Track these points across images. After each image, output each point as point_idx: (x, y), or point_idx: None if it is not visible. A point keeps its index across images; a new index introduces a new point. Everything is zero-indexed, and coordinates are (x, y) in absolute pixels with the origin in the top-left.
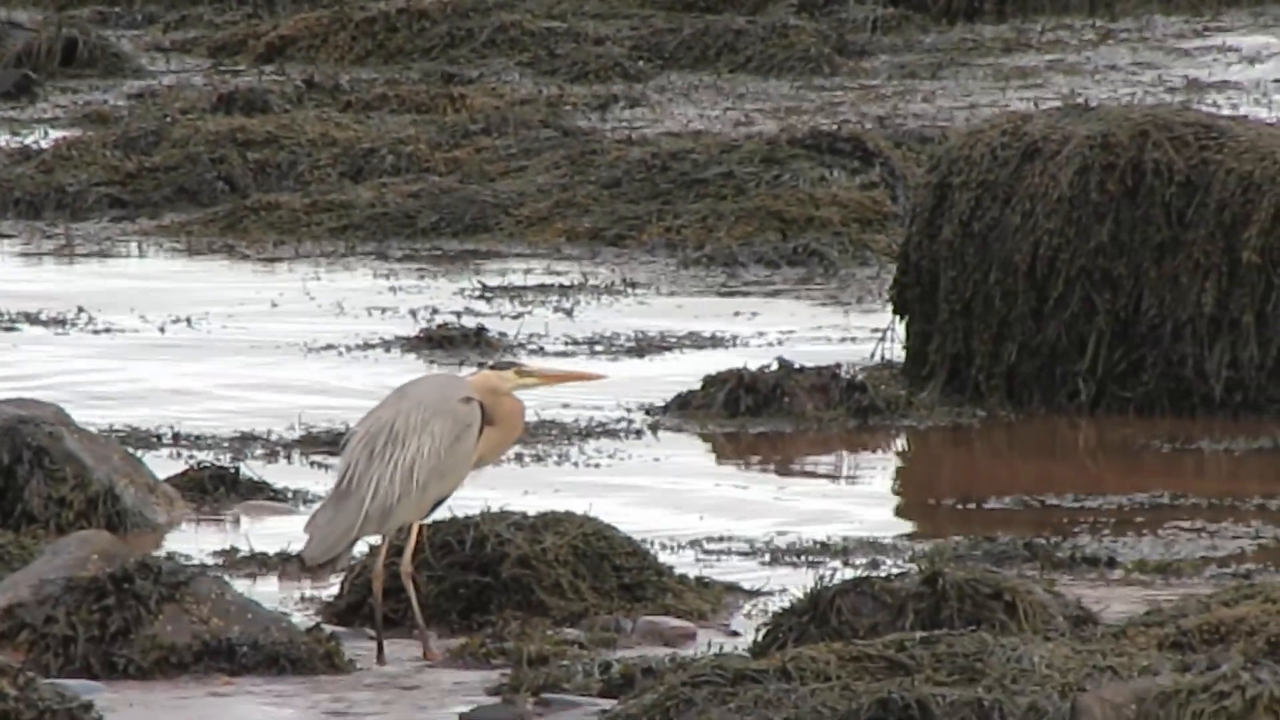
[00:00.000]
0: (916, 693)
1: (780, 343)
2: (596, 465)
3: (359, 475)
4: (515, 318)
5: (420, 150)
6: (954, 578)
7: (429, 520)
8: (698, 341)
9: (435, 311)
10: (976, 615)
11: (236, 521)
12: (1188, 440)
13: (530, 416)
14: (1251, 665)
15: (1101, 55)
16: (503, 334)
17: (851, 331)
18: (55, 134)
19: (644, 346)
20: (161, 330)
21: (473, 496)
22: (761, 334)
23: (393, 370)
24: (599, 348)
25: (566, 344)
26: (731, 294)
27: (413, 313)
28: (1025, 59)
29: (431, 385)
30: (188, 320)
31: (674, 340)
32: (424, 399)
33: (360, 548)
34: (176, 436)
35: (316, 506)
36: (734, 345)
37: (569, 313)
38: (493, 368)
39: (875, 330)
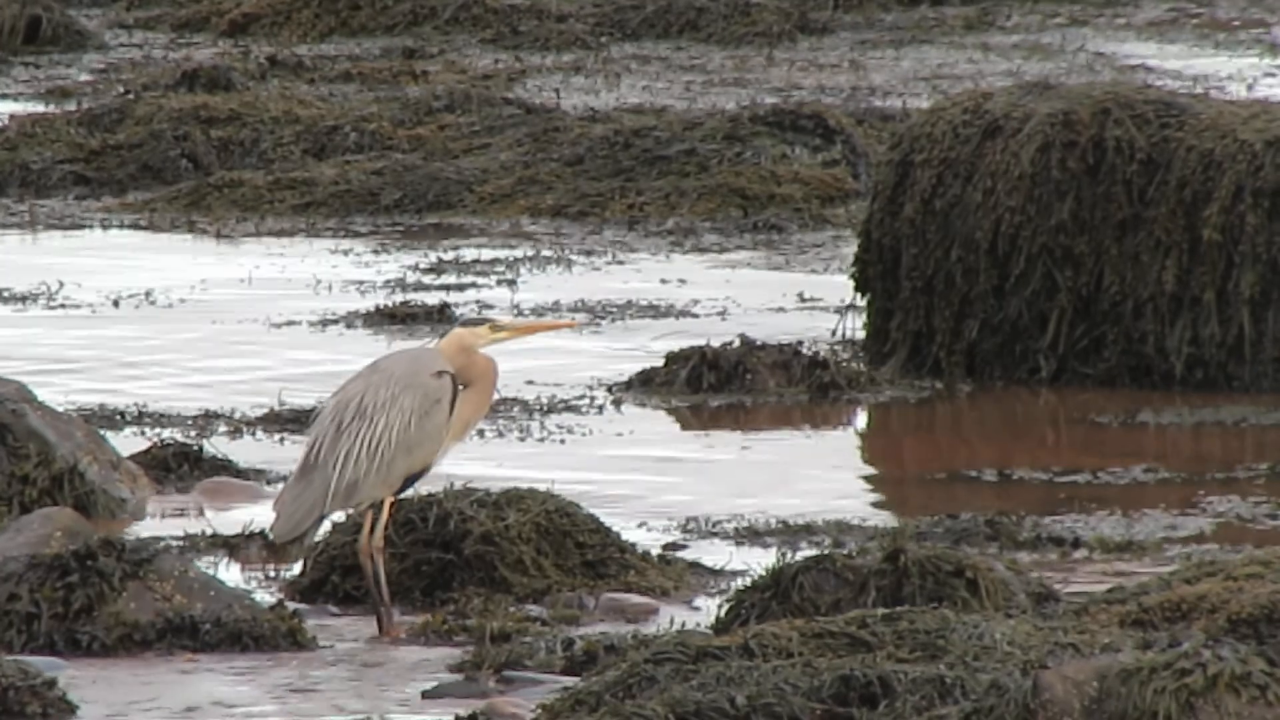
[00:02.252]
0: (878, 669)
1: (726, 313)
2: (560, 441)
3: (325, 451)
4: (476, 289)
5: (383, 127)
6: (916, 555)
7: (406, 495)
8: (658, 313)
9: (399, 288)
10: (938, 592)
11: (199, 499)
12: (1149, 417)
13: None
14: (1213, 643)
15: (1068, 37)
16: (473, 308)
17: (811, 306)
18: (16, 108)
19: (603, 316)
20: (122, 306)
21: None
22: (720, 307)
23: (356, 347)
24: (570, 318)
25: (531, 315)
26: (692, 267)
27: (376, 288)
28: (988, 37)
29: (402, 359)
30: (150, 296)
31: (637, 310)
32: (394, 373)
33: (326, 525)
34: (140, 414)
35: (282, 484)
36: (690, 317)
37: (515, 284)
38: (464, 324)
39: (824, 303)
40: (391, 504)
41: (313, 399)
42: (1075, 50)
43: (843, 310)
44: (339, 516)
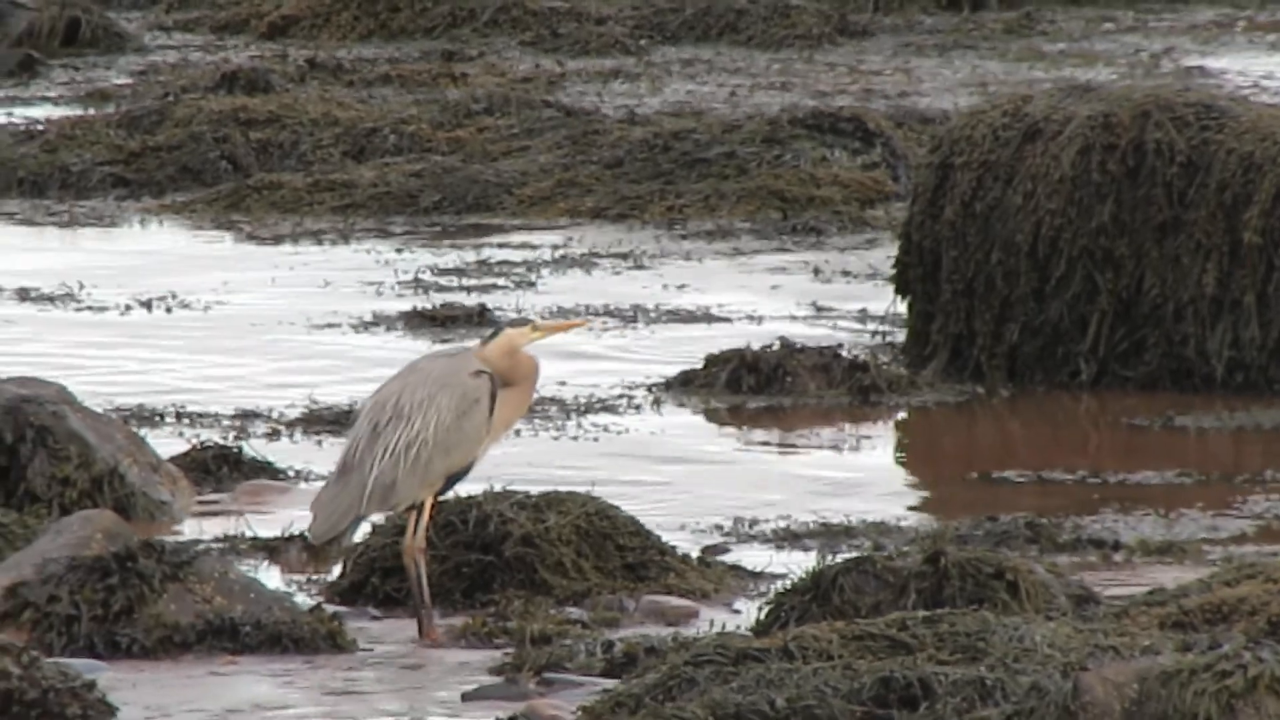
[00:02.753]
0: (918, 672)
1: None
2: (595, 440)
3: (363, 452)
4: (514, 291)
5: (422, 130)
6: (956, 557)
7: (446, 497)
8: (699, 317)
9: (437, 290)
10: (979, 594)
11: (239, 501)
12: (1189, 420)
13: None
14: (1253, 645)
15: (1108, 41)
16: (511, 311)
17: (849, 310)
18: (58, 113)
19: (643, 319)
20: (165, 309)
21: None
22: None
23: (395, 348)
24: (603, 323)
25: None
26: (730, 270)
27: (415, 290)
28: (1031, 43)
29: (440, 360)
30: (189, 299)
31: (677, 314)
32: (431, 373)
33: (365, 526)
34: (179, 415)
35: (321, 485)
36: (728, 320)
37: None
38: (512, 325)
39: (863, 311)
40: (432, 505)
41: (350, 401)
42: (1133, 54)
43: (882, 314)
44: (378, 519)
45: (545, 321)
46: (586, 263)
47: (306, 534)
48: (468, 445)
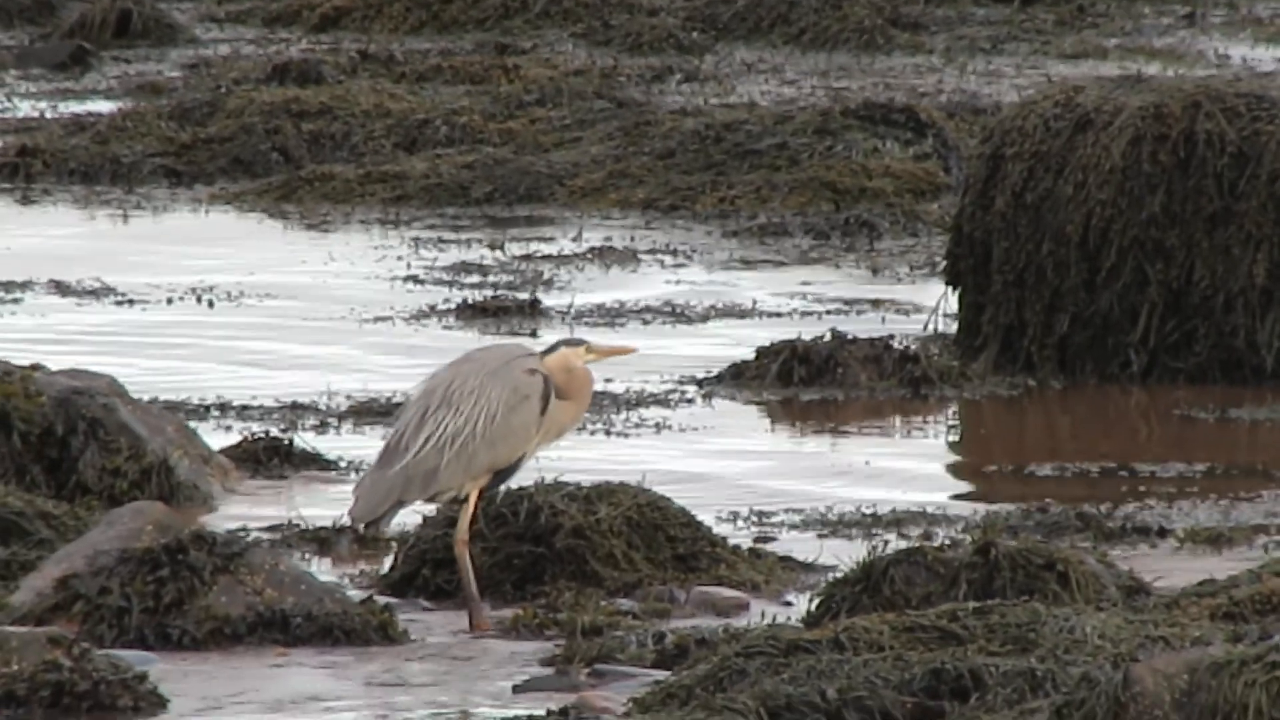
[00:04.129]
0: (969, 663)
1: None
2: (655, 430)
3: (409, 437)
4: (564, 284)
5: (474, 121)
6: (1006, 548)
7: (500, 490)
8: (744, 311)
9: (489, 282)
10: (1029, 585)
11: (290, 492)
12: (1240, 410)
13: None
14: None
15: (1160, 34)
16: (561, 303)
17: (901, 302)
18: (108, 105)
19: (692, 315)
20: (213, 301)
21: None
22: (809, 305)
23: (446, 339)
24: (648, 317)
25: (614, 314)
26: (782, 264)
27: (466, 283)
28: (1080, 35)
29: (495, 352)
30: (239, 291)
31: (721, 309)
32: (485, 364)
33: (414, 516)
34: (227, 407)
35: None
36: (779, 315)
37: (616, 280)
38: (567, 345)
39: (914, 303)
40: (478, 498)
41: (401, 393)
42: (1195, 50)
43: (934, 305)
44: (423, 507)
45: (599, 344)
46: (636, 257)
47: (348, 515)
48: (515, 441)
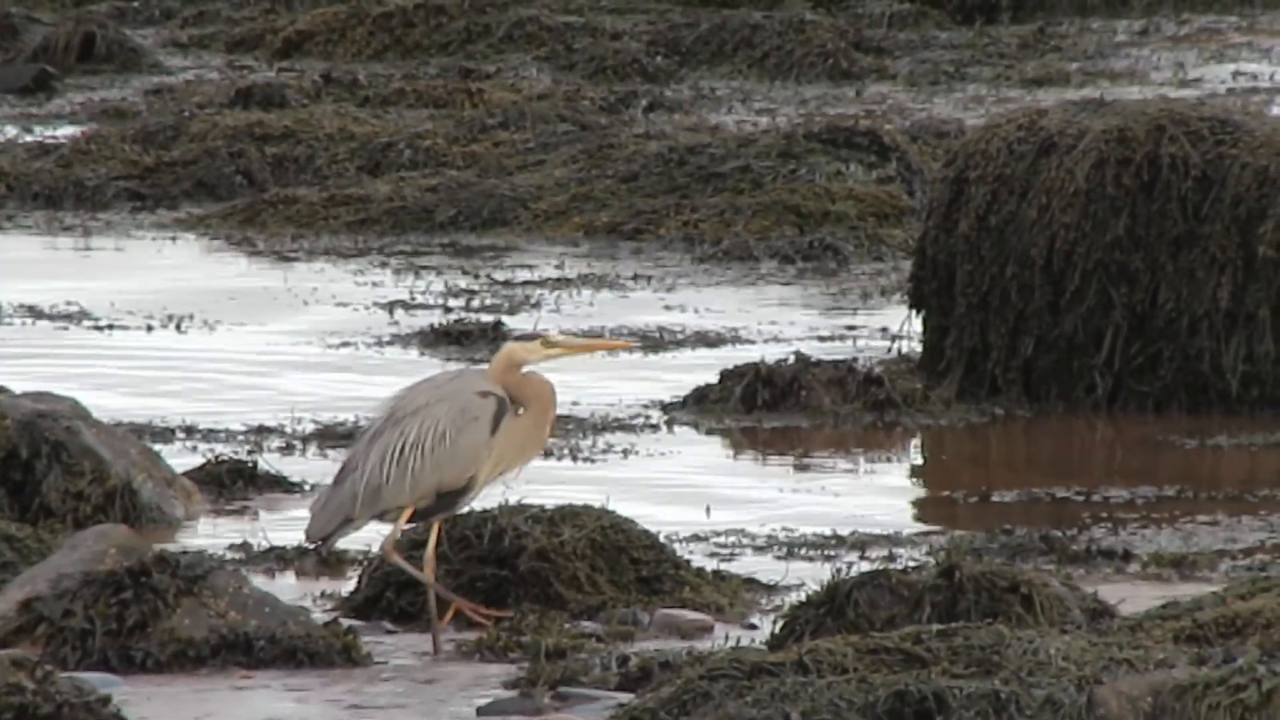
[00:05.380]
0: (933, 685)
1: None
2: (621, 455)
3: (359, 455)
4: (530, 307)
5: (438, 144)
6: (971, 570)
7: (461, 512)
8: (711, 338)
9: (452, 306)
10: (993, 608)
11: (255, 515)
12: (1204, 434)
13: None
14: (1267, 658)
15: (1120, 56)
16: (527, 327)
17: (865, 326)
18: (73, 129)
19: (658, 341)
20: (177, 327)
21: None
22: (775, 329)
23: (409, 364)
24: (624, 340)
25: (584, 336)
26: (748, 288)
27: (429, 307)
28: (1043, 59)
29: (449, 375)
30: (201, 316)
31: (688, 335)
32: (436, 384)
33: (366, 535)
34: (192, 430)
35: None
36: (748, 341)
37: (583, 304)
38: (517, 339)
39: (884, 329)
40: (408, 517)
41: (364, 416)
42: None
43: (897, 328)
44: (384, 528)
45: (564, 337)
46: (599, 281)
47: (305, 531)
48: (462, 463)
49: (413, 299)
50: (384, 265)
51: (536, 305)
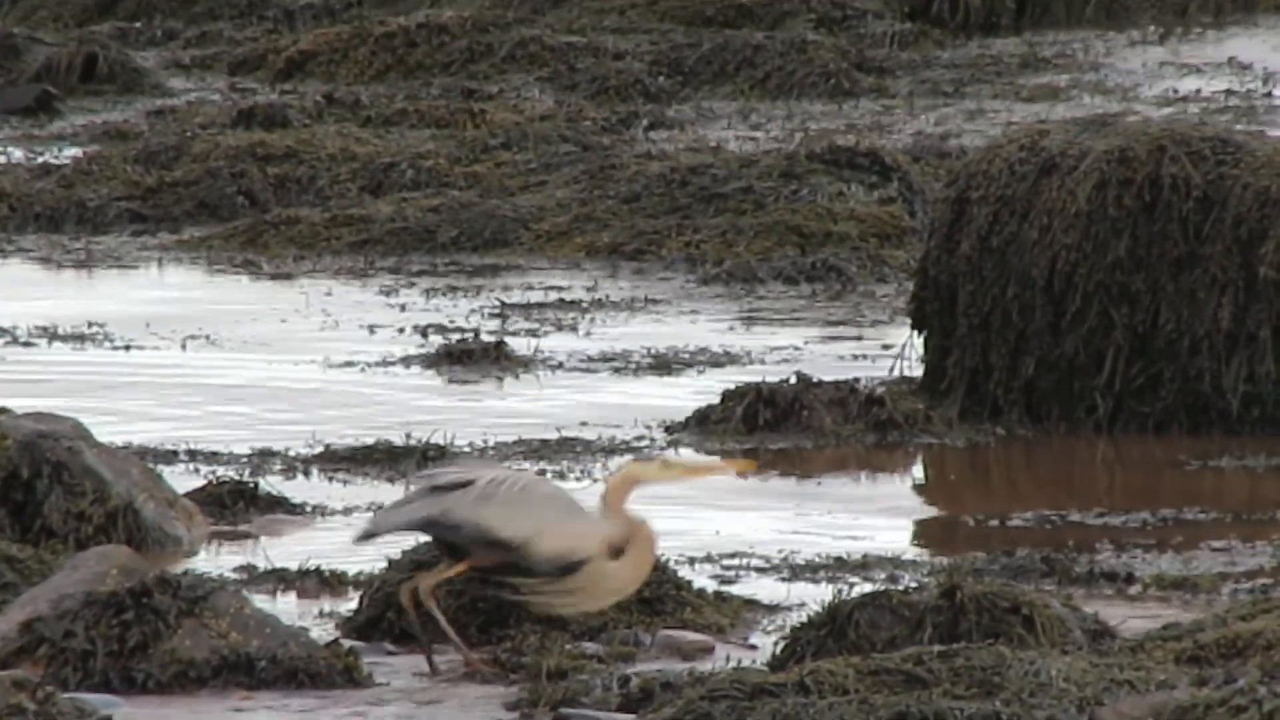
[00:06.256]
0: (934, 706)
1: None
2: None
3: (474, 474)
4: (533, 329)
5: (440, 165)
6: (972, 591)
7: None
8: (714, 359)
9: (455, 327)
10: (994, 629)
11: (256, 537)
12: (1205, 455)
13: (551, 434)
14: (1268, 680)
15: (1118, 70)
16: (530, 348)
17: (867, 348)
18: (75, 150)
19: (661, 362)
20: (180, 346)
21: None
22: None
23: (412, 386)
24: (617, 364)
25: (583, 361)
26: (752, 309)
27: (433, 328)
28: (1043, 76)
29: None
30: (204, 336)
31: (691, 355)
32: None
33: (370, 554)
34: (194, 452)
35: (336, 520)
36: (751, 362)
37: (581, 329)
38: (636, 460)
39: (887, 346)
40: (467, 566)
41: (366, 438)
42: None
43: (899, 347)
44: (399, 546)
45: (681, 460)
46: (601, 302)
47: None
48: (574, 539)
49: (415, 320)
50: (388, 286)
51: (538, 325)
